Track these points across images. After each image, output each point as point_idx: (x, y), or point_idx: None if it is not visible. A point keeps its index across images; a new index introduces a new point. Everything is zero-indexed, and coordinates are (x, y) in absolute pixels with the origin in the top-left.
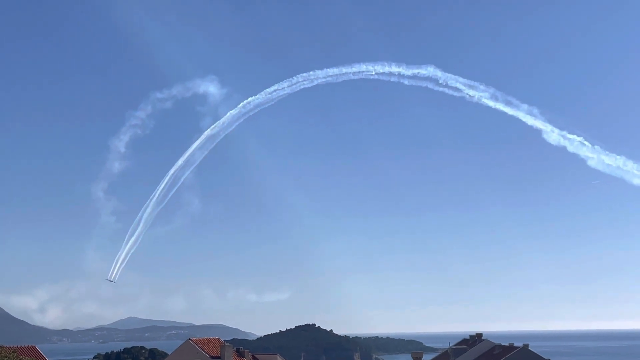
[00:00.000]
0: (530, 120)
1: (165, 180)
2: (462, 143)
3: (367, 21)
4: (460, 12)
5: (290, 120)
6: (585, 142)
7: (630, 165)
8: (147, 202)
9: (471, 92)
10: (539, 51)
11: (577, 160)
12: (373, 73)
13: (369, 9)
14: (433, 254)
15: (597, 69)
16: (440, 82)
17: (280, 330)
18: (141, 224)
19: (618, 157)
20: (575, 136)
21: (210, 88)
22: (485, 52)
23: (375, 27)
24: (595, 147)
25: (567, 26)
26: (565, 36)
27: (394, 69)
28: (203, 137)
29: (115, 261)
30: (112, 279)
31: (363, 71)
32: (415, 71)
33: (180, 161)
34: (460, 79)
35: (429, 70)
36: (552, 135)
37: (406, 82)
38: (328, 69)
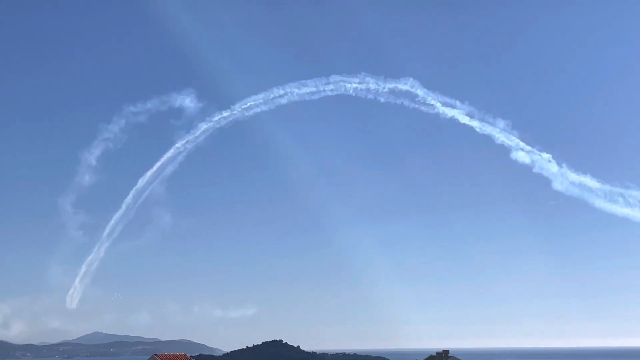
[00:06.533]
0: (501, 138)
1: (131, 195)
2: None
3: (346, 31)
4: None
5: (269, 134)
6: (552, 160)
7: (594, 184)
8: (112, 217)
9: (447, 110)
10: (526, 69)
11: (542, 180)
12: (351, 92)
13: (348, 20)
14: (404, 269)
15: (583, 88)
16: (418, 99)
17: (247, 346)
18: (104, 239)
19: (584, 176)
20: (544, 153)
21: (187, 101)
22: (466, 68)
23: (353, 37)
24: (563, 165)
25: (558, 44)
26: (561, 53)
27: (372, 85)
28: (172, 150)
29: (74, 285)
30: (70, 305)
31: (340, 85)
32: (393, 85)
33: (148, 175)
34: (440, 96)
35: (409, 83)
36: (520, 153)
37: (382, 99)
38: (305, 85)
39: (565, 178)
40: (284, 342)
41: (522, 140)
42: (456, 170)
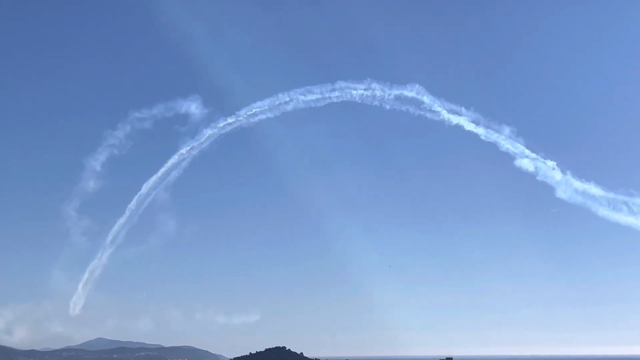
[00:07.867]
0: (505, 145)
1: (134, 201)
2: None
3: (352, 37)
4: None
5: (274, 140)
6: (557, 168)
7: (598, 191)
8: (115, 223)
9: (452, 117)
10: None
11: (546, 188)
12: (357, 99)
13: (354, 26)
14: (407, 276)
15: (589, 95)
16: (423, 106)
17: (250, 353)
18: (107, 245)
19: (587, 184)
20: (549, 161)
21: (192, 107)
22: (472, 75)
23: (359, 44)
24: (567, 172)
25: (563, 50)
26: (565, 58)
27: (378, 92)
28: (177, 156)
29: (77, 291)
30: (73, 312)
31: (345, 92)
32: (399, 92)
33: (152, 181)
34: (445, 103)
35: (415, 89)
36: (524, 161)
37: (388, 106)
38: (310, 92)
39: (569, 186)
40: (287, 348)
41: (527, 147)
42: (460, 177)
